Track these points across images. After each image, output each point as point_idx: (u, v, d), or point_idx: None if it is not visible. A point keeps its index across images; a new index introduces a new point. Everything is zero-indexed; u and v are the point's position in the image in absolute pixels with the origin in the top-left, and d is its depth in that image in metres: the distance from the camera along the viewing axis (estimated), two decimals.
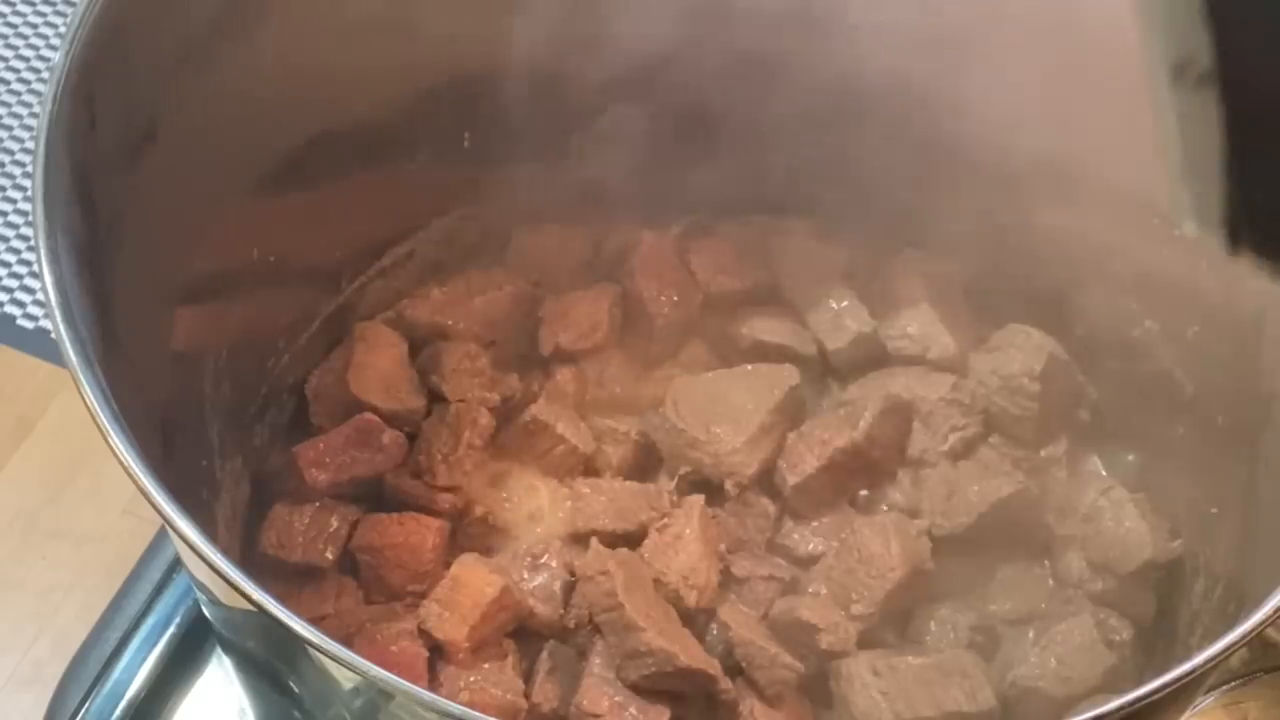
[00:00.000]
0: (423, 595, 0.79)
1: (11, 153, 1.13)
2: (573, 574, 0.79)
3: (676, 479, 0.85)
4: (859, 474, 0.86)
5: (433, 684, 0.75)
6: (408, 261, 0.92)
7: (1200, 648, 0.56)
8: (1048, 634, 0.80)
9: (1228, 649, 0.56)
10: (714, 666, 0.75)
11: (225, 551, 0.53)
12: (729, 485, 0.84)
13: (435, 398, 0.87)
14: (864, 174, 0.88)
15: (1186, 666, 0.55)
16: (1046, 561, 0.86)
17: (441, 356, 0.88)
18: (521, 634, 0.78)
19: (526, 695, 0.76)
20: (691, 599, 0.78)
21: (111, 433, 0.54)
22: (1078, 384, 0.90)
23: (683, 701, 0.76)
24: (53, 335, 0.57)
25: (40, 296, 0.87)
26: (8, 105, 1.16)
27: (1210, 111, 0.37)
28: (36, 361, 1.03)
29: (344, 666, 0.52)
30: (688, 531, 0.79)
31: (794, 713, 0.78)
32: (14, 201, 1.10)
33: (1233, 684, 0.79)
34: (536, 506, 0.84)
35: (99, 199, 0.63)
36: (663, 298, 0.91)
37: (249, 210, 0.78)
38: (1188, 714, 0.67)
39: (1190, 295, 0.80)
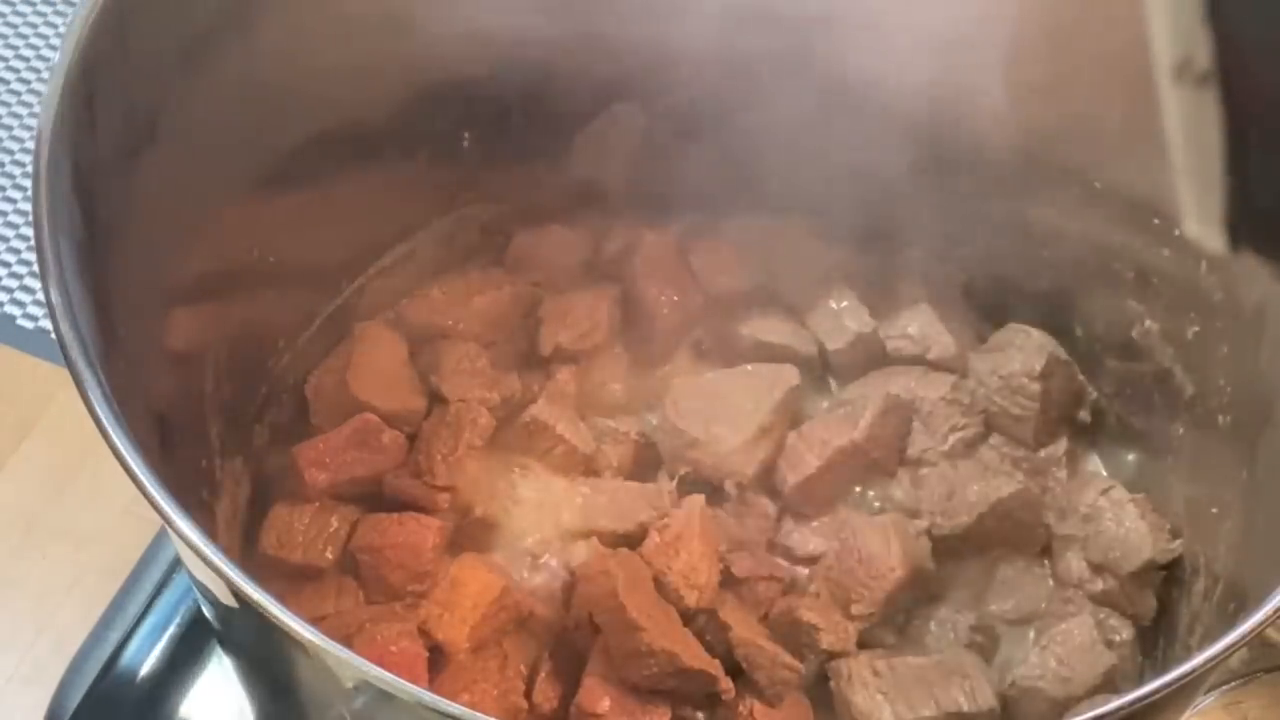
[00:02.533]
0: (423, 595, 0.79)
1: (11, 153, 1.13)
2: (573, 574, 0.79)
3: (676, 479, 0.85)
4: (859, 474, 0.86)
5: (433, 684, 0.75)
6: (408, 261, 0.92)
7: (1200, 648, 0.56)
8: (1048, 634, 0.80)
9: (1228, 649, 0.56)
10: (715, 667, 0.75)
11: (225, 551, 0.53)
12: (729, 485, 0.84)
13: (435, 398, 0.87)
14: (864, 174, 0.88)
15: (1186, 667, 0.55)
16: (1046, 561, 0.86)
17: (441, 356, 0.88)
18: (521, 634, 0.78)
19: (526, 695, 0.76)
20: (692, 599, 0.78)
21: (111, 433, 0.54)
22: (1078, 384, 0.90)
23: (683, 701, 0.76)
24: (53, 335, 0.57)
25: (40, 296, 0.87)
26: (8, 105, 1.16)
27: (1211, 111, 0.37)
28: (36, 361, 1.02)
29: (344, 666, 0.52)
30: (688, 531, 0.79)
31: (794, 713, 0.78)
32: (14, 201, 1.10)
33: (1233, 684, 0.79)
34: (536, 507, 0.84)
35: (99, 199, 0.63)
36: (663, 298, 0.91)
37: (249, 210, 0.78)
38: (1188, 714, 0.67)
39: (1190, 295, 0.80)
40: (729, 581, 0.81)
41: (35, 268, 0.60)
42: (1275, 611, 0.57)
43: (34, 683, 0.89)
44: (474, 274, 0.91)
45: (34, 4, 1.22)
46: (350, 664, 0.51)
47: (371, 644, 0.75)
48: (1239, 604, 0.73)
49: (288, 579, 0.80)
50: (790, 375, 0.87)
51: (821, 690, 0.79)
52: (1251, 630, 0.56)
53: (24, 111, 1.15)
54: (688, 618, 0.78)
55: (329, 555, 0.81)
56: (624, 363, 0.91)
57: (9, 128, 1.14)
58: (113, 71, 0.64)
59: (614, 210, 0.93)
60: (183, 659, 0.85)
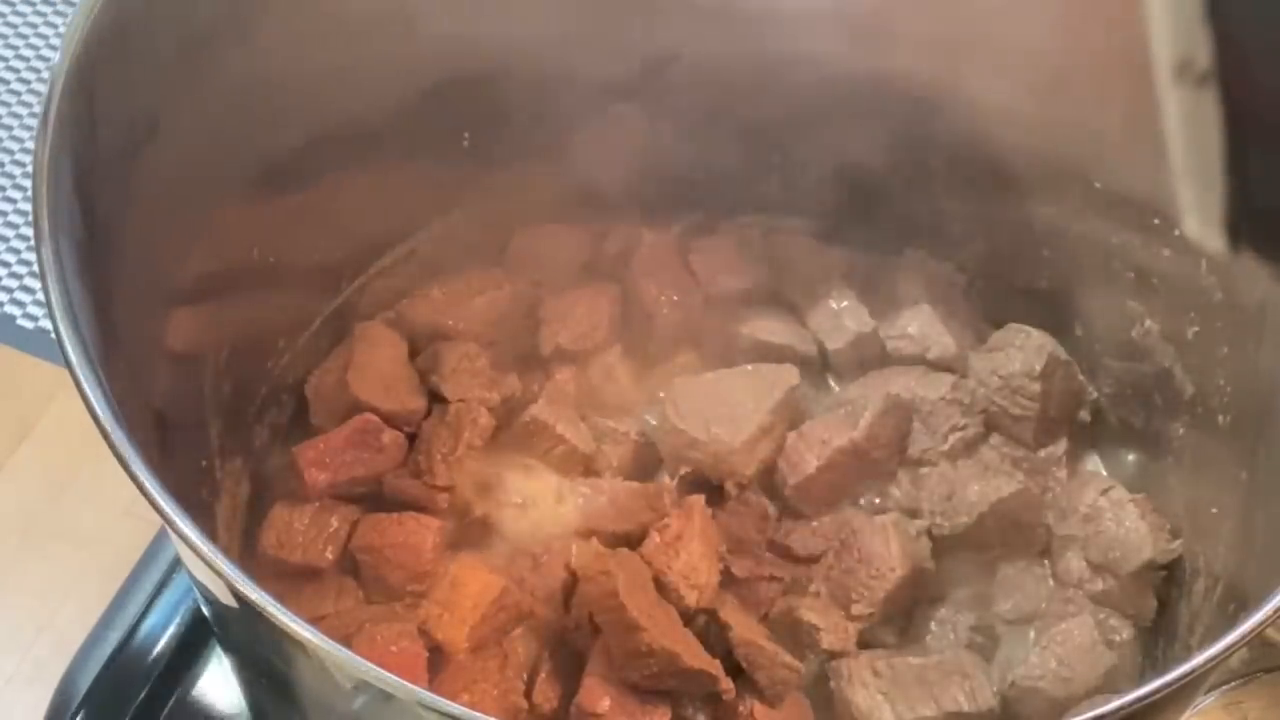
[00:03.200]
0: (423, 595, 0.79)
1: (11, 153, 1.13)
2: (573, 574, 0.79)
3: (677, 479, 0.85)
4: (859, 474, 0.86)
5: (433, 684, 0.75)
6: (408, 261, 0.92)
7: (1200, 648, 0.56)
8: (1048, 634, 0.80)
9: (1228, 649, 0.56)
10: (715, 667, 0.75)
11: (225, 551, 0.53)
12: (729, 485, 0.84)
13: (435, 398, 0.87)
14: (864, 174, 0.88)
15: (1186, 667, 0.55)
16: (1046, 561, 0.86)
17: (441, 356, 0.87)
18: (521, 634, 0.78)
19: (527, 695, 0.76)
20: (692, 599, 0.78)
21: (111, 433, 0.54)
22: (1078, 384, 0.90)
23: (683, 701, 0.76)
24: (53, 335, 0.57)
25: (40, 297, 0.87)
26: (8, 105, 1.16)
27: (1211, 111, 0.37)
28: (37, 361, 1.02)
29: (344, 667, 0.52)
30: (688, 531, 0.79)
31: (794, 712, 0.78)
32: (14, 201, 1.10)
33: (1233, 684, 0.79)
34: (536, 507, 0.84)
35: (99, 199, 0.63)
36: (663, 298, 0.91)
37: (249, 210, 0.78)
38: (1188, 714, 0.67)
39: (1190, 295, 0.80)
40: (729, 581, 0.81)
41: (35, 268, 0.60)
42: (1275, 611, 0.57)
43: (34, 683, 0.89)
44: (474, 274, 0.91)
45: (34, 4, 1.22)
46: (350, 664, 0.51)
47: (371, 644, 0.75)
48: (1239, 604, 0.73)
49: (288, 579, 0.80)
50: (790, 375, 0.87)
51: (822, 690, 0.79)
52: (1251, 630, 0.56)
53: (24, 111, 1.15)
54: (688, 618, 0.78)
55: (329, 555, 0.81)
56: (624, 363, 0.91)
57: (9, 128, 1.14)
58: (113, 71, 0.64)
59: (614, 210, 0.93)
60: (183, 659, 0.85)
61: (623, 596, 0.74)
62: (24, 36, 1.20)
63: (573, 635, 0.78)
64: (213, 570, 0.53)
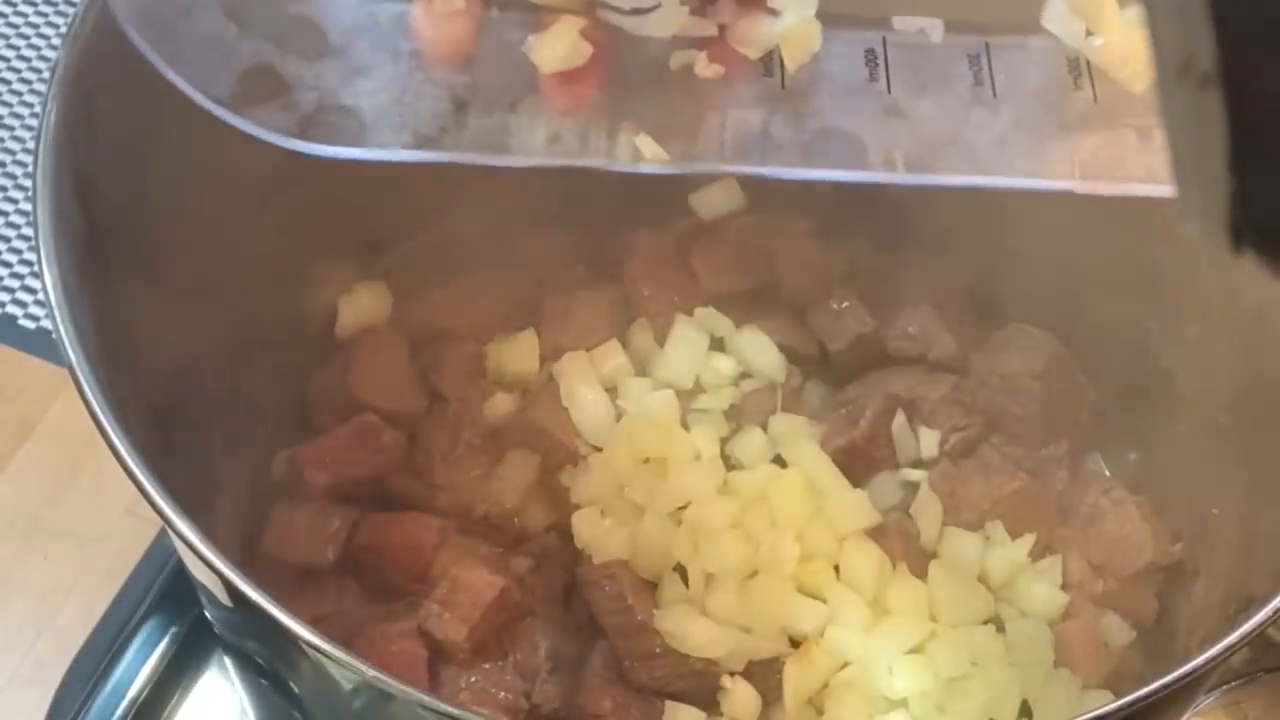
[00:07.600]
0: (423, 595, 0.79)
1: (13, 153, 1.13)
2: (573, 574, 0.79)
3: None
4: (859, 474, 0.86)
5: (433, 684, 0.75)
6: (408, 261, 0.91)
7: (1201, 648, 0.56)
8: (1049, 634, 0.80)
9: (1228, 650, 0.56)
10: (720, 668, 0.75)
11: (225, 551, 0.53)
12: None
13: (435, 398, 0.87)
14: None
15: (1187, 667, 0.55)
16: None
17: (441, 356, 0.87)
18: (522, 634, 0.78)
19: (527, 695, 0.76)
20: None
21: (111, 433, 0.54)
22: (1078, 384, 0.89)
23: (685, 701, 0.76)
24: (54, 335, 0.58)
25: (41, 297, 0.87)
26: (9, 106, 1.16)
27: (1213, 111, 0.37)
28: (38, 362, 1.03)
29: (344, 667, 0.52)
30: None
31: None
32: (15, 202, 1.10)
33: (1233, 684, 0.79)
34: (536, 506, 0.84)
35: (99, 199, 0.63)
36: (663, 298, 0.91)
37: (249, 211, 0.78)
38: (1188, 714, 0.67)
39: (1190, 295, 0.80)
40: None
41: (36, 268, 0.60)
42: (1276, 612, 0.57)
43: (35, 683, 0.89)
44: (474, 274, 0.91)
45: (34, 4, 1.22)
46: (350, 664, 0.51)
47: (371, 644, 0.75)
48: (1240, 604, 0.73)
49: (288, 579, 0.80)
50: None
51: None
52: (1252, 630, 0.56)
53: (25, 112, 1.15)
54: None
55: (329, 555, 0.81)
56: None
57: (10, 128, 1.14)
58: (113, 72, 0.64)
59: (614, 210, 0.93)
60: (183, 659, 0.85)
61: (631, 599, 0.74)
62: (25, 37, 1.20)
63: (573, 635, 0.78)
64: (212, 571, 0.53)
